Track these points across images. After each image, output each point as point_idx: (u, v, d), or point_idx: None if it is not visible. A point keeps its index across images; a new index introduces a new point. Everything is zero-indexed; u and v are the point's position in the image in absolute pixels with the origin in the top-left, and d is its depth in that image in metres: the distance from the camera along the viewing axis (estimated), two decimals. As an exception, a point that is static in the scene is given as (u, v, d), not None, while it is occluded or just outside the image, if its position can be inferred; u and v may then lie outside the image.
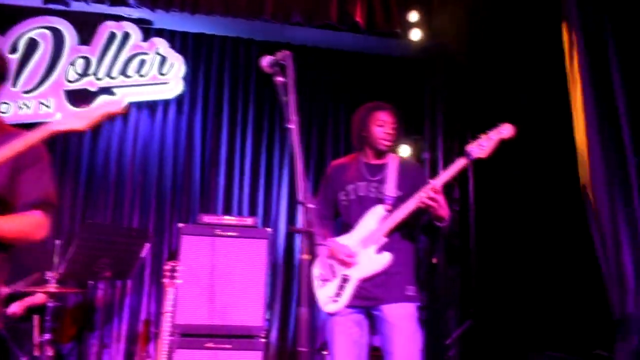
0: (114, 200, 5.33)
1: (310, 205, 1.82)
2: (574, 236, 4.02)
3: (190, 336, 4.33)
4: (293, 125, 1.92)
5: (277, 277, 5.46)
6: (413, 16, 5.31)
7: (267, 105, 5.72)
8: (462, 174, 3.78)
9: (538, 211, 4.65)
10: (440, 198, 2.68)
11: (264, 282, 4.50)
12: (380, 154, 2.97)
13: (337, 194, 3.00)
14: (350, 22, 5.21)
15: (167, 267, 4.26)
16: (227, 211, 5.44)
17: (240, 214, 5.44)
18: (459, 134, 5.47)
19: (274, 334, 5.35)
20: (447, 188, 2.90)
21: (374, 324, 2.87)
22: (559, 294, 4.32)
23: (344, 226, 2.97)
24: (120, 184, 5.37)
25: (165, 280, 4.22)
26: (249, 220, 4.65)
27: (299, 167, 1.88)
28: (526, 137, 4.82)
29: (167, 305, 4.16)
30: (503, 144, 2.74)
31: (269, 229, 4.61)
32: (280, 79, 1.99)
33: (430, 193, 2.67)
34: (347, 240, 2.90)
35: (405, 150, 5.44)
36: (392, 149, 3.04)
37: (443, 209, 2.71)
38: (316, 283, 2.93)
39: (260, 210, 5.54)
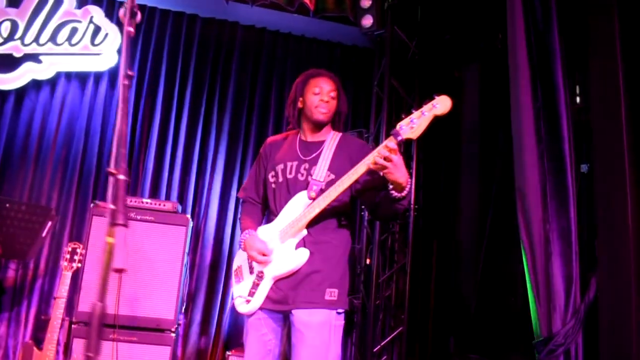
0: (33, 176, 4.93)
1: (121, 177, 1.44)
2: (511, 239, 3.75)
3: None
4: (127, 82, 1.54)
5: (203, 270, 5.12)
6: (365, 2, 4.95)
7: (205, 87, 5.36)
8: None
9: (478, 212, 4.40)
10: (398, 158, 2.19)
11: (179, 273, 4.13)
12: (317, 127, 2.55)
13: (267, 174, 2.60)
14: (298, 4, 4.86)
15: (67, 249, 3.91)
16: (155, 195, 5.06)
17: (167, 197, 5.04)
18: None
19: (194, 329, 5.02)
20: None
21: (287, 330, 2.49)
22: (490, 299, 4.06)
23: (269, 214, 2.59)
24: (41, 159, 4.96)
25: (64, 263, 3.85)
26: (167, 205, 4.26)
27: (122, 130, 1.49)
28: (473, 133, 4.91)
29: (62, 290, 3.78)
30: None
31: (187, 216, 4.22)
32: (130, 29, 1.60)
33: (384, 152, 2.17)
34: (268, 231, 2.51)
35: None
36: (336, 126, 2.60)
37: (401, 172, 2.21)
38: (233, 278, 2.60)
39: (189, 198, 5.19)
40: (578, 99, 3.68)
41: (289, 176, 2.51)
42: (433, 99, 2.21)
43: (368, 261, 4.80)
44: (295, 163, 2.52)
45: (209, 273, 5.15)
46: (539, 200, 3.19)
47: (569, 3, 3.32)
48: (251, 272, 2.52)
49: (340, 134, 2.59)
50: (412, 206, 4.80)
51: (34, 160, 4.94)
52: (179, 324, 4.17)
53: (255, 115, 5.45)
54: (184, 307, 4.44)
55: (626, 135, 3.00)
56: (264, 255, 2.44)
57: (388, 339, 4.70)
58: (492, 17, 4.23)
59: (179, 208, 4.36)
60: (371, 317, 4.64)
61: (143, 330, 3.97)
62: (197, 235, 5.15)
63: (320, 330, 2.35)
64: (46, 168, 4.95)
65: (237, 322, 5.04)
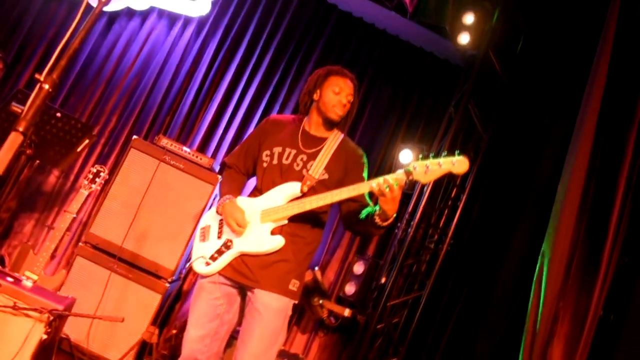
0: (100, 97, 5.12)
1: (45, 87, 1.38)
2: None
3: (98, 250, 4.03)
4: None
5: None
6: (468, 18, 4.68)
7: (284, 61, 5.32)
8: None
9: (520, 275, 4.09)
10: (399, 193, 2.28)
11: (192, 228, 4.12)
12: (326, 124, 2.59)
13: (261, 150, 2.62)
14: (397, 1, 4.69)
15: (91, 169, 4.01)
16: (203, 150, 5.10)
17: (214, 156, 5.06)
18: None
19: (191, 290, 4.97)
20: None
21: (244, 304, 2.53)
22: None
23: (254, 189, 2.61)
24: (112, 83, 5.16)
25: (84, 182, 3.96)
26: (204, 160, 4.26)
27: (73, 45, 1.43)
28: (545, 189, 4.54)
29: (73, 206, 3.89)
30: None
31: (219, 176, 4.18)
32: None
33: (391, 182, 2.25)
34: (249, 205, 2.52)
35: (405, 156, 4.87)
36: (341, 126, 2.64)
37: (394, 206, 2.31)
38: (198, 235, 2.62)
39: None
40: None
41: (284, 161, 2.54)
42: (453, 154, 2.25)
43: (383, 280, 4.57)
44: (294, 151, 2.56)
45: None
46: (562, 271, 2.85)
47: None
48: (219, 237, 2.53)
49: (342, 135, 2.63)
50: (447, 240, 4.55)
51: (105, 82, 5.13)
52: (178, 278, 4.16)
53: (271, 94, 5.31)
54: (188, 264, 4.43)
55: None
56: (239, 226, 2.45)
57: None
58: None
59: (216, 167, 4.34)
60: (368, 338, 4.44)
61: (141, 270, 4.02)
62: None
63: (278, 315, 2.45)
64: (113, 93, 5.13)
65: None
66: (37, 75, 1.39)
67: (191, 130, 5.16)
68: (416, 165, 2.26)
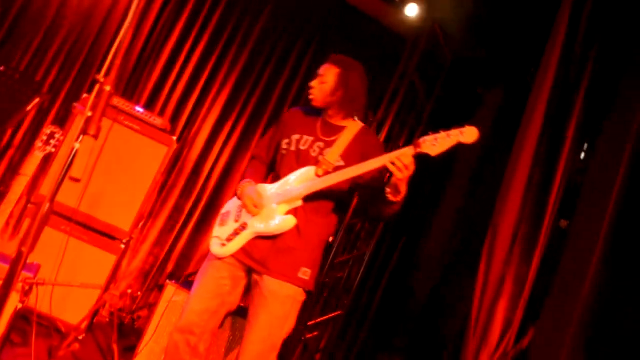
0: (38, 46, 4.86)
1: (107, 88, 1.44)
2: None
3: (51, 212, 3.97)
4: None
5: (171, 195, 5.20)
6: (414, -11, 4.89)
7: (236, 15, 5.30)
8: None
9: (453, 227, 4.48)
10: (411, 166, 2.30)
11: (147, 189, 4.17)
12: (327, 111, 2.62)
13: (282, 139, 2.70)
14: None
15: (45, 131, 3.90)
16: (149, 106, 5.06)
17: (161, 114, 5.03)
18: (411, 129, 5.22)
19: (145, 247, 5.11)
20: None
21: (250, 287, 2.60)
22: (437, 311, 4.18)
23: (273, 175, 2.70)
24: (52, 31, 4.88)
25: (38, 143, 3.85)
26: (158, 121, 4.25)
27: (124, 41, 1.49)
28: (473, 151, 4.95)
29: (28, 168, 3.79)
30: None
31: (173, 137, 4.22)
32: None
33: (401, 157, 2.28)
34: (266, 189, 2.61)
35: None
36: (351, 113, 2.64)
37: (404, 182, 2.34)
38: (218, 219, 2.69)
39: (181, 121, 5.21)
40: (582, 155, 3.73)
41: (301, 147, 2.60)
42: (463, 126, 2.29)
43: (331, 239, 4.85)
44: (311, 138, 2.60)
45: (176, 200, 5.20)
46: (507, 242, 3.26)
47: (604, 64, 3.31)
48: (236, 221, 2.60)
49: (362, 125, 2.66)
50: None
51: (45, 30, 4.86)
52: (131, 238, 4.21)
53: (271, 66, 5.43)
54: (141, 223, 4.50)
55: (613, 204, 3.06)
56: (255, 206, 2.52)
57: (325, 317, 4.81)
58: (533, 48, 4.20)
59: (168, 127, 4.35)
60: (316, 292, 4.74)
61: (96, 232, 4.03)
62: (176, 159, 5.19)
63: (284, 302, 2.49)
64: (54, 41, 4.88)
65: (188, 256, 5.12)
66: (97, 76, 1.45)
67: (135, 88, 5.07)
68: (425, 138, 2.30)
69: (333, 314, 4.81)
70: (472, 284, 3.46)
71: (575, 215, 3.34)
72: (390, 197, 2.38)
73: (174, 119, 5.17)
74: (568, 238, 3.23)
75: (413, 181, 5.05)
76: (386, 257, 5.10)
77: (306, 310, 4.75)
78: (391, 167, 2.30)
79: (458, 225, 4.94)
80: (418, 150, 2.30)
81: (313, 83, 2.60)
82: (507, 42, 4.74)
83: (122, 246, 4.07)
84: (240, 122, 5.36)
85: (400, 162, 2.28)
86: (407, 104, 5.05)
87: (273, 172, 2.73)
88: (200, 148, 5.25)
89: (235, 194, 2.69)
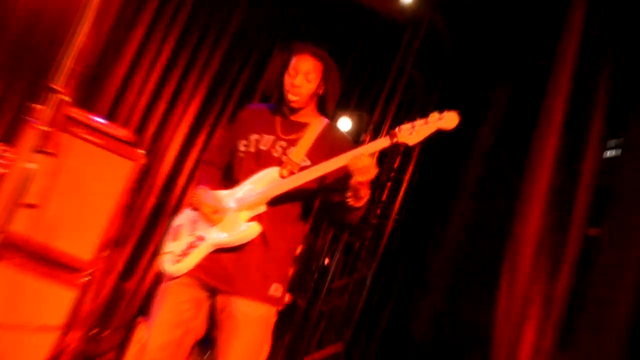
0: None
1: (66, 99, 1.34)
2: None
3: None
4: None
5: (141, 216, 5.17)
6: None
7: (206, 17, 5.30)
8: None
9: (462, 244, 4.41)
10: (373, 168, 2.33)
11: (111, 212, 4.04)
12: (292, 109, 2.65)
13: (238, 141, 2.69)
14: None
15: (-7, 149, 3.80)
16: (111, 117, 5.02)
17: (126, 125, 4.97)
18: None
19: (110, 280, 5.01)
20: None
21: (215, 311, 2.54)
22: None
23: (231, 181, 2.67)
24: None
25: (-16, 163, 3.74)
26: (121, 132, 4.14)
27: (82, 43, 1.39)
28: (483, 157, 4.90)
29: (-28, 193, 3.67)
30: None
31: (141, 151, 4.12)
32: None
33: (362, 157, 2.31)
34: (223, 195, 2.60)
35: (343, 124, 5.05)
36: (322, 109, 2.70)
37: (365, 185, 2.37)
38: (169, 235, 2.66)
39: (149, 133, 5.20)
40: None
41: (262, 148, 2.61)
42: (443, 111, 2.35)
43: (327, 261, 4.77)
44: (272, 138, 2.62)
45: (147, 221, 5.14)
46: (531, 255, 3.18)
47: (629, 46, 3.27)
48: (191, 234, 2.57)
49: (327, 121, 2.69)
50: (392, 216, 4.79)
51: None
52: (95, 269, 4.08)
53: (249, 68, 5.44)
54: (106, 251, 4.37)
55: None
56: (215, 212, 2.51)
57: (323, 352, 4.70)
58: (546, 35, 4.15)
59: (135, 140, 4.26)
60: (312, 323, 4.64)
61: (52, 264, 3.85)
62: (146, 176, 5.10)
63: (259, 325, 2.49)
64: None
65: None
66: (52, 85, 1.34)
67: (93, 96, 5.02)
68: (401, 127, 2.35)
69: (333, 349, 4.71)
70: (492, 307, 3.39)
71: (607, 222, 3.26)
72: (350, 202, 2.40)
73: (141, 130, 5.13)
74: (602, 249, 3.14)
75: (417, 189, 5.01)
76: (390, 280, 5.01)
77: (301, 344, 4.63)
78: (351, 168, 2.32)
79: (470, 238, 4.88)
80: (395, 140, 2.35)
81: (299, 81, 2.57)
82: (515, 29, 4.70)
83: (84, 279, 3.93)
84: (217, 132, 5.32)
85: (360, 162, 2.30)
86: (407, 103, 5.01)
87: (228, 179, 2.71)
88: (172, 162, 5.22)
89: (188, 205, 2.68)
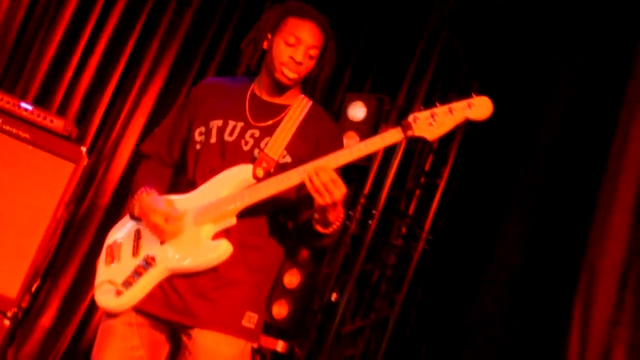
0: None
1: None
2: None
3: None
4: None
5: (83, 233, 5.20)
6: None
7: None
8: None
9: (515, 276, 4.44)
10: (337, 188, 2.32)
11: (44, 229, 4.15)
12: (278, 88, 2.69)
13: (192, 127, 2.70)
14: None
15: None
16: (42, 102, 5.02)
17: (61, 114, 4.99)
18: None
19: (43, 321, 5.07)
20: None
21: (176, 354, 2.57)
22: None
23: (186, 182, 2.68)
24: None
25: None
26: (57, 123, 4.23)
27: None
28: (544, 161, 4.91)
29: None
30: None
31: (82, 148, 4.23)
32: None
33: (316, 180, 2.31)
34: (176, 202, 2.58)
35: (358, 111, 5.04)
36: (305, 89, 2.77)
37: (333, 208, 2.37)
38: (102, 258, 2.66)
39: (93, 124, 5.24)
40: None
41: (227, 138, 2.62)
42: (471, 96, 2.33)
43: (334, 298, 4.78)
44: (240, 124, 2.64)
45: (93, 240, 5.16)
46: (613, 291, 3.20)
47: None
48: (135, 254, 2.57)
49: (310, 102, 2.74)
50: (423, 236, 4.81)
51: None
52: (20, 308, 4.14)
53: (230, 32, 5.53)
54: (35, 284, 4.43)
55: None
56: (170, 221, 2.48)
57: None
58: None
59: (73, 133, 4.30)
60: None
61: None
62: (90, 180, 5.18)
63: None
64: None
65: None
66: None
67: (19, 75, 5.05)
68: (416, 115, 2.34)
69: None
70: (560, 357, 3.42)
71: None
72: (316, 226, 2.44)
73: (82, 120, 5.18)
74: None
75: (455, 200, 5.02)
76: (421, 322, 5.03)
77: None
78: (308, 186, 2.33)
79: (529, 266, 4.91)
80: (409, 134, 2.35)
81: (301, 55, 2.60)
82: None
83: (7, 322, 4.01)
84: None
85: (317, 179, 2.30)
86: (443, 81, 5.05)
87: (179, 178, 2.73)
88: (125, 163, 5.26)
89: (127, 212, 2.67)
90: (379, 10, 5.47)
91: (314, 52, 2.63)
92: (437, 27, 5.00)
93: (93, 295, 2.64)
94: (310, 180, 2.31)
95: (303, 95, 2.75)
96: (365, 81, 5.52)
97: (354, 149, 2.39)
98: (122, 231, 2.67)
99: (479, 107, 2.32)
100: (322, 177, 2.29)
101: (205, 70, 5.49)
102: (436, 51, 4.95)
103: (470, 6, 5.05)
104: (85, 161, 4.22)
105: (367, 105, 5.06)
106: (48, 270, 5.01)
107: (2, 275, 4.02)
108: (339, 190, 2.30)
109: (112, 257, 2.62)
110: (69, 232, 5.13)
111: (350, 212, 4.94)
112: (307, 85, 2.74)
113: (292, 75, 2.61)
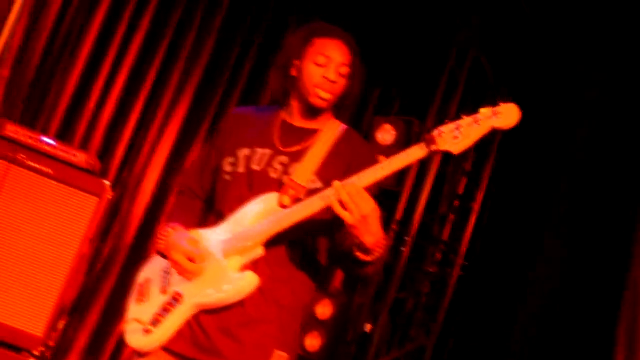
0: None
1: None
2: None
3: None
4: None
5: (111, 269, 5.21)
6: None
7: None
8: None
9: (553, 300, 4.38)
10: (364, 200, 2.25)
11: (69, 265, 4.13)
12: (311, 112, 2.66)
13: (222, 158, 2.69)
14: None
15: None
16: (64, 136, 5.08)
17: (84, 148, 5.05)
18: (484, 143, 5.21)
19: (74, 356, 5.05)
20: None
21: None
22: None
23: (215, 214, 2.67)
24: None
25: None
26: (79, 157, 4.24)
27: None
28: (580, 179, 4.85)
29: None
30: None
31: (106, 182, 4.23)
32: None
33: (342, 192, 2.26)
34: (204, 236, 2.57)
35: (386, 135, 5.03)
36: (339, 112, 2.72)
37: (369, 230, 2.28)
38: (133, 294, 2.65)
39: (116, 158, 5.26)
40: None
41: (254, 167, 2.61)
42: (497, 105, 2.28)
43: (368, 328, 4.73)
44: (268, 152, 2.62)
45: (119, 274, 5.18)
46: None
47: None
48: (163, 291, 2.56)
49: (344, 126, 2.71)
50: (458, 261, 4.75)
51: None
52: (47, 346, 4.12)
53: (252, 58, 5.50)
54: (62, 321, 4.42)
55: None
56: (193, 260, 2.46)
57: None
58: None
59: (96, 166, 4.31)
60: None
61: (-7, 343, 4.02)
62: (115, 213, 5.20)
63: None
64: None
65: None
66: None
67: (38, 111, 5.11)
68: (442, 129, 2.28)
69: None
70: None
71: None
72: (357, 254, 2.34)
73: (104, 153, 5.20)
74: None
75: (491, 223, 4.96)
76: (459, 350, 4.97)
77: None
78: (334, 206, 2.27)
79: (568, 288, 4.84)
80: (433, 148, 2.28)
81: (334, 74, 2.58)
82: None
83: (34, 360, 4.02)
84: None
85: (343, 192, 2.25)
86: (472, 100, 5.03)
87: (212, 211, 2.71)
88: (150, 195, 5.26)
89: (155, 251, 2.65)
90: (405, 31, 5.44)
91: (345, 70, 2.62)
92: (465, 45, 4.99)
93: (121, 332, 2.63)
94: (338, 200, 2.25)
95: (335, 119, 2.72)
96: (393, 104, 5.51)
97: (377, 167, 2.34)
98: (152, 268, 2.67)
99: (506, 115, 2.25)
100: (349, 189, 2.25)
101: (228, 98, 5.50)
102: (465, 70, 4.94)
103: (497, 22, 5.02)
104: (109, 195, 4.21)
105: (395, 128, 5.06)
106: (75, 307, 5.00)
107: (28, 312, 4.03)
108: (367, 203, 2.23)
109: (142, 295, 2.62)
110: (95, 267, 5.13)
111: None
112: (338, 108, 2.70)
113: (327, 96, 2.59)
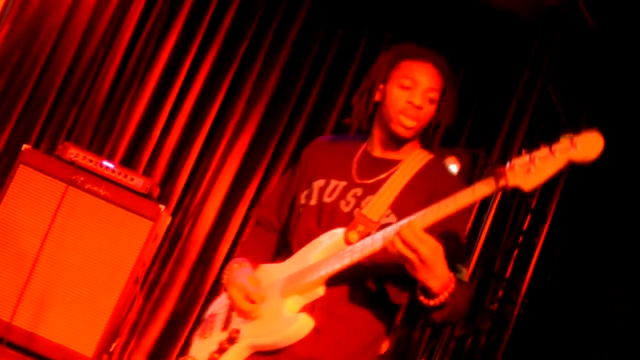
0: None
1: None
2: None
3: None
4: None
5: (167, 294, 5.28)
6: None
7: (257, 17, 5.50)
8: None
9: None
10: (422, 244, 2.10)
11: (122, 287, 4.26)
12: (394, 141, 2.55)
13: (300, 190, 2.65)
14: None
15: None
16: (128, 161, 5.24)
17: (146, 173, 5.21)
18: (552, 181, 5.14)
19: None
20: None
21: None
22: None
23: (287, 248, 2.63)
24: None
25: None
26: (138, 182, 4.38)
27: None
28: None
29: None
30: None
31: (161, 206, 4.32)
32: None
33: (403, 231, 2.11)
34: (270, 274, 2.54)
35: (451, 167, 5.01)
36: (426, 140, 2.60)
37: (433, 275, 2.14)
38: (199, 328, 2.67)
39: (178, 184, 5.36)
40: None
41: (326, 199, 2.52)
42: (576, 133, 2.05)
43: (385, 348, 4.71)
44: (342, 184, 2.52)
45: (177, 299, 5.25)
46: None
47: None
48: (224, 327, 2.53)
49: (430, 156, 2.57)
50: (519, 300, 4.70)
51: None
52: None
53: (316, 91, 5.55)
54: (114, 344, 4.52)
55: None
56: (250, 301, 2.42)
57: None
58: None
59: (153, 191, 4.43)
60: None
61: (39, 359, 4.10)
62: (176, 239, 5.30)
63: None
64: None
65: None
66: None
67: (109, 134, 5.28)
68: (514, 162, 2.08)
69: None
70: None
71: None
72: (421, 298, 2.18)
73: (168, 179, 5.31)
74: None
75: (558, 260, 4.85)
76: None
77: None
78: (390, 250, 2.12)
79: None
80: (502, 184, 2.10)
81: (420, 100, 2.45)
82: None
83: (85, 383, 4.10)
84: (271, 182, 5.46)
85: (399, 239, 2.09)
86: (541, 134, 4.99)
87: (286, 246, 2.65)
88: (211, 222, 5.33)
89: (225, 290, 2.59)
90: (471, 61, 5.47)
91: (434, 96, 2.47)
92: (533, 76, 4.93)
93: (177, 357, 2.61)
94: (392, 244, 2.11)
95: (421, 149, 2.58)
96: (459, 136, 5.49)
97: (441, 204, 2.15)
98: (219, 303, 2.64)
99: (586, 145, 2.02)
100: (406, 236, 2.08)
101: (292, 127, 5.54)
102: (532, 102, 4.86)
103: (568, 54, 4.97)
104: (164, 219, 4.33)
105: (460, 160, 5.02)
106: (133, 330, 5.13)
107: (80, 333, 4.15)
108: (425, 246, 2.07)
109: (205, 331, 2.60)
110: (154, 291, 5.23)
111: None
112: (429, 137, 2.55)
113: (411, 124, 2.44)
